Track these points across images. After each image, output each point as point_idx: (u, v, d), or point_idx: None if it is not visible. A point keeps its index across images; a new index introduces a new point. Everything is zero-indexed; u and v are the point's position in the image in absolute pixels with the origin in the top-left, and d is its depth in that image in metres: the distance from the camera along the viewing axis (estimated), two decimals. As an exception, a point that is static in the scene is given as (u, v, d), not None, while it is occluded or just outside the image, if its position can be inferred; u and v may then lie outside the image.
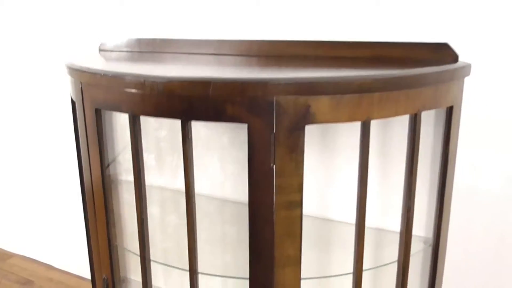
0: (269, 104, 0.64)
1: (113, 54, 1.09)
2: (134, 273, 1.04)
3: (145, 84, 0.68)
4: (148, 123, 1.08)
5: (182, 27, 1.38)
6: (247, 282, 0.72)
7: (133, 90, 0.70)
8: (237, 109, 0.65)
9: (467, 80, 0.84)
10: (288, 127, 0.65)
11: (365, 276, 0.76)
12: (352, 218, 0.84)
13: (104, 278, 0.89)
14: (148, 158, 1.12)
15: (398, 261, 0.80)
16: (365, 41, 0.91)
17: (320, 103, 0.65)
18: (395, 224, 0.87)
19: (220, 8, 1.29)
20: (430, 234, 0.89)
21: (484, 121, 1.05)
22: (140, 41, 1.14)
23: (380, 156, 0.94)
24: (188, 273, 0.76)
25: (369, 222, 0.94)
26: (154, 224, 1.06)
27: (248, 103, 0.64)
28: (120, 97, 0.73)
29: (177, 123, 0.70)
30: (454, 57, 0.84)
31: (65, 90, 1.75)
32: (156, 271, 1.14)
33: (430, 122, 0.88)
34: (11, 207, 2.15)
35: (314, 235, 0.97)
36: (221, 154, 1.07)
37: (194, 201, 0.74)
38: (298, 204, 0.68)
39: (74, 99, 0.87)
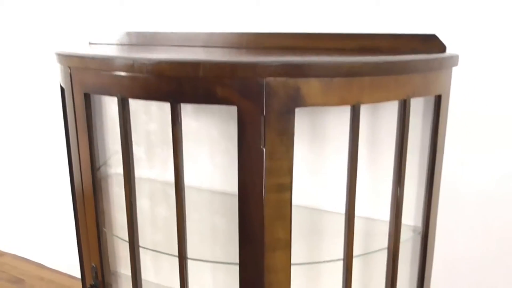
0: (259, 86, 0.64)
1: (103, 47, 1.08)
2: (124, 267, 1.03)
3: (135, 66, 0.68)
4: (138, 117, 1.07)
5: (171, 21, 1.39)
6: (237, 268, 0.72)
7: (123, 73, 0.70)
8: (227, 91, 0.65)
9: (454, 75, 0.85)
10: (278, 109, 0.65)
11: (355, 262, 0.76)
12: (342, 207, 0.84)
13: (93, 266, 0.88)
14: (138, 151, 1.11)
15: (388, 247, 0.80)
16: (353, 33, 0.92)
17: (310, 86, 0.65)
18: (385, 214, 0.87)
19: (210, 1, 1.30)
20: (419, 223, 0.90)
21: (471, 116, 1.06)
22: (130, 34, 1.14)
23: (369, 147, 0.95)
24: (177, 259, 0.76)
25: (358, 211, 0.94)
26: (144, 216, 1.05)
27: (238, 85, 0.64)
28: (110, 81, 0.73)
29: (167, 116, 0.70)
30: (442, 48, 0.85)
31: (55, 87, 1.74)
32: (145, 262, 1.13)
33: (419, 114, 0.88)
34: (1, 206, 2.13)
35: (305, 224, 0.97)
36: (211, 147, 1.06)
37: (184, 185, 0.74)
38: (288, 187, 0.68)
39: (63, 86, 0.86)
